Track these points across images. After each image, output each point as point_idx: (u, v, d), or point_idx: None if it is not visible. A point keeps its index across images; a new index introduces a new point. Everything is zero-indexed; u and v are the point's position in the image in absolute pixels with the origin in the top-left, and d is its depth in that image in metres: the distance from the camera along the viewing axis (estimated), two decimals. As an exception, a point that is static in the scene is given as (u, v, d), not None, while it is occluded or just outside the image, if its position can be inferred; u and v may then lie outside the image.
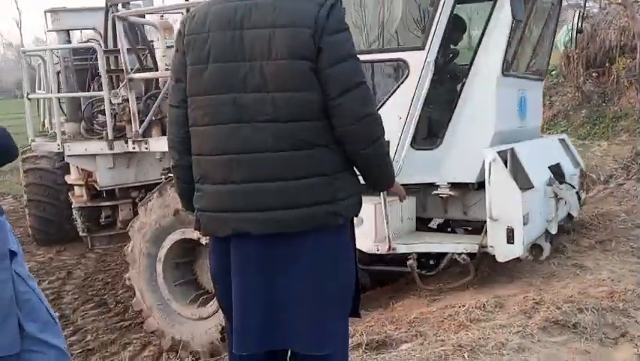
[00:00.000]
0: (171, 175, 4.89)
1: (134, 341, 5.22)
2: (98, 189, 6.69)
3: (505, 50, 4.38)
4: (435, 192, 4.51)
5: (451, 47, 4.95)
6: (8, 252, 2.67)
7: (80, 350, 5.04)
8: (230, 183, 2.02)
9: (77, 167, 6.92)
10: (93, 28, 7.38)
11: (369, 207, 4.27)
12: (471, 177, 4.46)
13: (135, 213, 6.61)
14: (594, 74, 10.48)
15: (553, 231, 4.51)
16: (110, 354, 5.02)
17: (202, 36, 2.03)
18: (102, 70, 6.06)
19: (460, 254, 4.25)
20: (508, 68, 4.57)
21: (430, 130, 4.65)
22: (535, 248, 4.37)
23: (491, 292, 4.21)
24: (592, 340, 3.15)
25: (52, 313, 2.87)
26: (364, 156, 2.09)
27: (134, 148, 5.92)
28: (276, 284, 2.05)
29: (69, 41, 7.47)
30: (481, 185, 4.38)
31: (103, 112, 6.47)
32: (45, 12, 7.29)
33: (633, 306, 3.51)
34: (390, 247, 4.24)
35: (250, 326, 2.06)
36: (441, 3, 4.18)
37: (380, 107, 4.29)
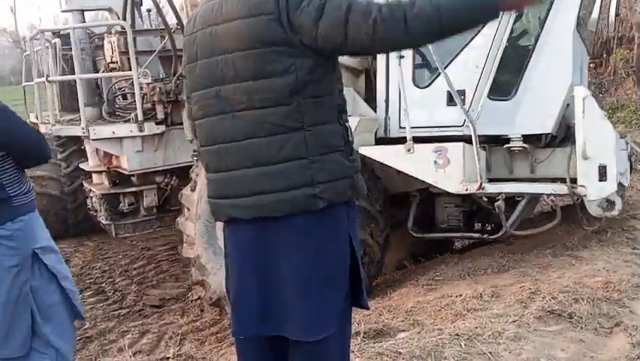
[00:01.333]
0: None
1: (133, 329, 5.23)
2: (126, 173, 6.46)
3: (580, 5, 4.45)
4: (507, 145, 4.49)
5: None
6: (32, 253, 2.71)
7: (79, 338, 5.04)
8: (223, 171, 2.13)
9: (97, 153, 6.69)
10: (109, 9, 7.23)
11: (457, 148, 4.35)
12: (546, 128, 4.49)
13: (160, 199, 6.76)
14: (591, 65, 10.51)
15: (626, 183, 4.57)
16: (109, 342, 5.03)
17: (192, 36, 2.15)
18: (131, 49, 5.99)
19: (548, 196, 4.30)
20: (578, 25, 4.61)
21: (504, 80, 4.64)
22: (608, 203, 4.33)
23: (488, 281, 4.24)
24: (587, 329, 3.19)
25: (78, 312, 2.90)
26: (415, 41, 2.03)
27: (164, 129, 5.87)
28: (268, 269, 2.09)
29: (84, 22, 7.25)
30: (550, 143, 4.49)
31: (124, 95, 6.48)
32: None
33: (628, 296, 3.55)
34: (480, 185, 4.25)
35: (246, 309, 2.13)
36: None
37: (456, 57, 4.42)
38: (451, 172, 4.26)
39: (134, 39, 6.61)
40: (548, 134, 4.56)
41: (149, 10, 6.72)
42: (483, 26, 4.25)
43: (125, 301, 6.18)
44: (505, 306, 3.55)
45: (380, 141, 4.88)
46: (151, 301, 6.04)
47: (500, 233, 4.80)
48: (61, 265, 2.85)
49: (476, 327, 3.23)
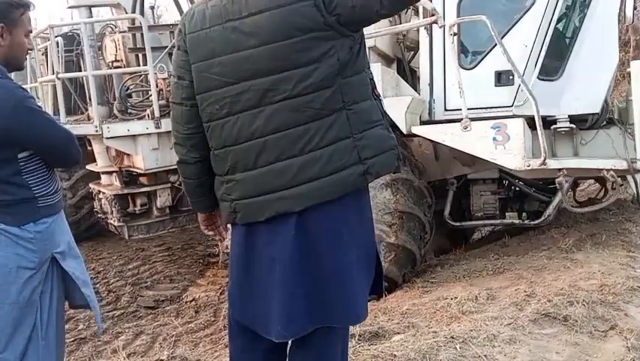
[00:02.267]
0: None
1: (127, 330, 5.20)
2: (140, 172, 6.36)
3: None
4: (554, 126, 4.57)
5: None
6: (51, 257, 2.62)
7: (73, 339, 5.02)
8: (262, 166, 2.05)
9: (108, 153, 6.60)
10: (117, 4, 7.13)
11: (517, 123, 4.44)
12: (594, 108, 4.67)
13: (174, 199, 6.68)
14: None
15: None
16: (103, 343, 4.99)
17: (204, 32, 2.07)
18: (147, 44, 5.94)
19: (608, 170, 4.41)
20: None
21: (551, 61, 4.77)
22: None
23: (483, 284, 4.24)
24: (582, 332, 3.18)
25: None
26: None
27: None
28: (311, 260, 2.05)
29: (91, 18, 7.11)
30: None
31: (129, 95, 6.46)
32: None
33: (623, 299, 3.55)
34: (544, 160, 4.31)
35: (296, 308, 2.05)
36: None
37: (504, 36, 4.55)
38: (511, 148, 4.36)
39: (142, 35, 6.59)
40: (595, 114, 4.73)
41: (152, 7, 6.65)
42: (532, 5, 4.56)
43: (119, 302, 6.13)
44: (500, 309, 3.54)
45: (423, 124, 4.95)
46: (145, 303, 5.98)
47: (542, 218, 5.02)
48: (80, 270, 2.75)
49: (471, 330, 3.22)
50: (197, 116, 2.14)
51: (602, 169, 4.42)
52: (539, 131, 4.27)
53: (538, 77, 4.69)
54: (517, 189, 5.67)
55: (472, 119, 4.59)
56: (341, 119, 2.02)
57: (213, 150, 2.16)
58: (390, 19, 5.61)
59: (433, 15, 4.48)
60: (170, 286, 6.49)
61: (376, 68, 4.75)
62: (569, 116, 4.79)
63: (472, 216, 5.57)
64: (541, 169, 4.42)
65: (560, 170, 4.42)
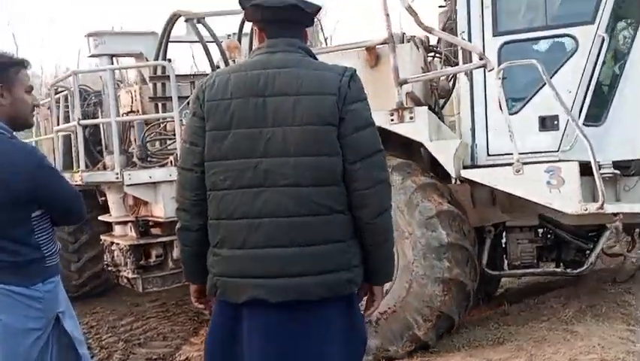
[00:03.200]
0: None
1: (119, 388, 4.95)
2: (160, 221, 6.20)
3: None
4: (601, 171, 4.47)
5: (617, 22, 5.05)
6: (56, 316, 2.60)
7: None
8: (250, 247, 2.03)
9: (125, 202, 6.42)
10: (140, 54, 7.17)
11: (572, 167, 4.40)
12: (638, 154, 4.67)
13: None
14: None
15: None
16: (94, 401, 4.72)
17: (224, 102, 2.07)
18: (174, 90, 5.94)
19: None
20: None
21: (594, 106, 4.74)
22: None
23: (483, 354, 4.17)
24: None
25: None
26: (374, 226, 2.10)
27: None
28: (293, 354, 2.01)
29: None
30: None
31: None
32: (87, 35, 7.06)
33: (623, 375, 3.40)
34: (602, 204, 4.24)
35: None
36: None
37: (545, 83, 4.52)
38: (567, 192, 4.30)
39: (164, 85, 6.58)
40: (638, 160, 4.70)
41: (169, 60, 6.66)
42: (574, 53, 4.63)
43: (111, 359, 5.89)
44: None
45: (465, 169, 4.87)
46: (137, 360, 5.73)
47: (585, 267, 4.93)
48: (77, 330, 2.74)
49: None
50: (204, 182, 2.13)
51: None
52: (596, 175, 4.20)
53: (582, 123, 4.63)
54: (554, 237, 5.55)
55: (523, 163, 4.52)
56: (340, 221, 2.05)
57: (209, 219, 2.14)
58: (422, 66, 5.62)
59: (481, 59, 4.45)
60: (163, 343, 6.26)
61: (423, 112, 4.70)
62: (613, 162, 4.72)
63: (509, 265, 5.43)
64: (596, 214, 4.33)
65: (615, 215, 4.33)
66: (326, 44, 13.26)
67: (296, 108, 2.00)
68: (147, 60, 6.93)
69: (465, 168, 4.77)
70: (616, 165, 4.75)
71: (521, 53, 4.83)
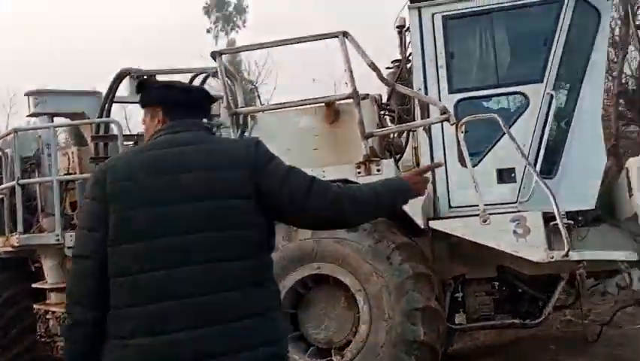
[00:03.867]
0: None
1: None
2: None
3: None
4: (553, 222, 4.57)
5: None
6: None
7: None
8: (165, 333, 1.88)
9: (63, 267, 6.00)
10: (82, 113, 6.85)
11: (536, 216, 4.50)
12: (589, 204, 4.84)
13: None
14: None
15: None
16: None
17: (130, 183, 1.99)
18: (120, 144, 5.85)
19: (622, 262, 4.55)
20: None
21: (546, 160, 4.91)
22: None
23: None
24: None
25: None
26: (358, 222, 2.32)
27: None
28: None
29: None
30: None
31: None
32: (27, 94, 6.74)
33: None
34: (567, 252, 4.34)
35: None
36: (555, 39, 4.83)
37: (502, 135, 4.78)
38: (533, 241, 4.44)
39: (106, 145, 6.38)
40: (588, 211, 4.92)
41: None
42: (525, 109, 4.86)
43: None
44: None
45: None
46: None
47: (542, 318, 5.06)
48: None
49: None
50: (105, 270, 1.96)
51: (617, 261, 4.54)
52: (560, 224, 4.35)
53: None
54: (510, 289, 5.66)
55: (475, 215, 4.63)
56: (259, 294, 2.00)
57: (115, 309, 1.95)
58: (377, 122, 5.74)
59: (444, 113, 4.60)
60: None
61: (389, 164, 4.77)
62: (566, 212, 4.92)
63: (468, 319, 5.45)
64: (559, 263, 4.46)
65: (579, 262, 4.48)
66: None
67: (206, 184, 1.97)
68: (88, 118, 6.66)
69: (429, 219, 4.82)
70: (569, 216, 4.95)
71: (476, 109, 5.04)
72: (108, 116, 6.55)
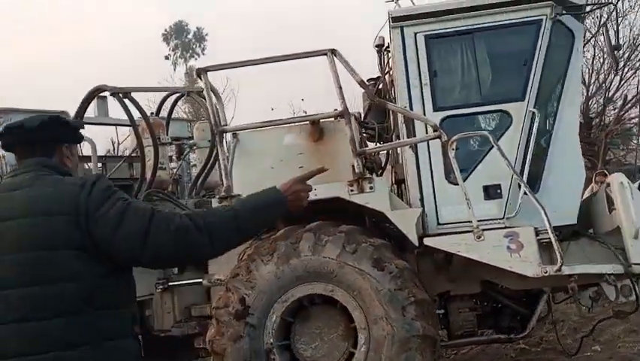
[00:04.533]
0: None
1: None
2: None
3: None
4: (539, 238, 4.66)
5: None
6: None
7: None
8: None
9: None
10: None
11: (529, 231, 4.57)
12: (571, 219, 4.93)
13: None
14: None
15: None
16: None
17: None
18: (93, 164, 5.86)
19: (610, 275, 4.64)
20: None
21: (530, 176, 4.97)
22: None
23: None
24: None
25: None
26: (218, 249, 2.07)
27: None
28: None
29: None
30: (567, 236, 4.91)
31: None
32: None
33: None
34: (560, 267, 4.43)
35: None
36: (535, 59, 4.97)
37: (487, 153, 4.92)
38: (527, 256, 4.51)
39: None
40: (570, 225, 4.99)
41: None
42: (508, 127, 4.92)
43: None
44: None
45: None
46: None
47: (527, 331, 5.14)
48: None
49: None
50: None
51: (604, 274, 4.65)
52: (553, 239, 4.44)
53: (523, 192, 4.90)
54: (492, 304, 5.72)
55: (467, 232, 4.68)
56: (88, 356, 1.86)
57: None
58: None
59: (435, 130, 4.64)
60: None
61: (382, 182, 4.78)
62: (556, 227, 4.99)
63: (451, 335, 5.47)
64: (551, 277, 4.54)
65: (570, 276, 4.57)
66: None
67: (30, 233, 1.85)
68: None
69: (421, 237, 4.83)
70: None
71: (461, 126, 5.11)
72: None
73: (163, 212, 1.99)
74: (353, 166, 5.25)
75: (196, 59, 34.47)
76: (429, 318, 4.63)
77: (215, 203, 4.97)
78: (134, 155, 6.53)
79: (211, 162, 6.73)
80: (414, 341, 4.47)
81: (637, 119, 17.34)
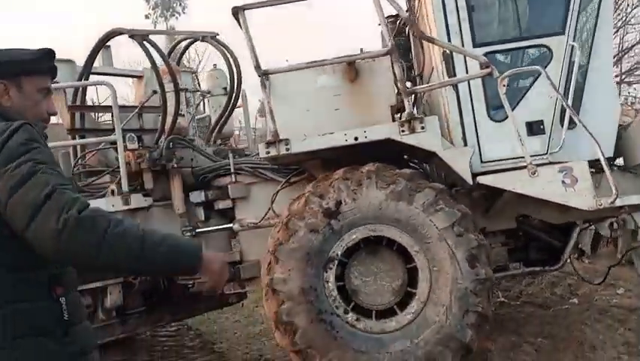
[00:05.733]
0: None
1: None
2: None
3: None
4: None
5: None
6: None
7: None
8: None
9: None
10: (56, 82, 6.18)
11: (583, 166, 4.63)
12: (607, 152, 4.92)
13: (126, 297, 5.69)
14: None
15: None
16: None
17: None
18: (115, 111, 5.36)
19: None
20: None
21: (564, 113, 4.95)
22: None
23: None
24: None
25: None
26: (108, 262, 1.81)
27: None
28: None
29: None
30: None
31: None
32: None
33: None
34: (615, 198, 4.46)
35: None
36: None
37: (529, 88, 4.91)
38: (581, 189, 4.55)
39: (82, 116, 5.84)
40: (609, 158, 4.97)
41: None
42: (549, 62, 4.77)
43: None
44: None
45: None
46: None
47: (562, 263, 5.23)
48: None
49: None
50: None
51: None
52: (607, 172, 4.48)
53: (568, 127, 4.97)
54: (522, 239, 5.81)
55: (520, 168, 4.73)
56: None
57: None
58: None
59: (487, 67, 4.56)
60: None
61: (433, 121, 4.72)
62: (588, 162, 5.07)
63: None
64: (603, 209, 4.61)
65: (621, 207, 4.65)
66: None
67: None
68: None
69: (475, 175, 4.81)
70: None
71: (501, 62, 5.04)
72: (88, 78, 5.98)
73: (68, 194, 1.75)
74: (392, 106, 5.17)
75: (177, 18, 33.54)
76: (487, 261, 4.67)
77: (262, 148, 4.81)
78: (146, 105, 6.25)
79: (229, 109, 6.53)
80: (475, 284, 4.54)
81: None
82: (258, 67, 4.75)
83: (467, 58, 5.03)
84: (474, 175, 4.80)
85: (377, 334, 4.62)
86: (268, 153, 4.79)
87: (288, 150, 4.76)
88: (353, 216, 4.59)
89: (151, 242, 1.81)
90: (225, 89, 6.79)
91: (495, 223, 5.46)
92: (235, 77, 6.42)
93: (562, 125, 4.98)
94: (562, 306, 6.85)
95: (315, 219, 4.58)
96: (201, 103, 7.22)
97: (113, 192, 5.44)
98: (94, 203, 5.06)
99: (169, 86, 5.70)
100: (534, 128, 4.99)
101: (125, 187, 5.34)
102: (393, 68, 4.72)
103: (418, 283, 4.63)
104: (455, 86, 5.08)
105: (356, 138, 4.73)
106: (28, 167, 1.76)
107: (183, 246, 1.92)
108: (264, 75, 4.82)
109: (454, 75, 5.06)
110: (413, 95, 5.46)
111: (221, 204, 5.82)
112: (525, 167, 4.67)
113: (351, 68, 5.12)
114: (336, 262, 4.63)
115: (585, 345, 5.46)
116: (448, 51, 5.05)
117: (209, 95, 6.87)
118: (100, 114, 7.05)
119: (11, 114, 1.96)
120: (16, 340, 1.74)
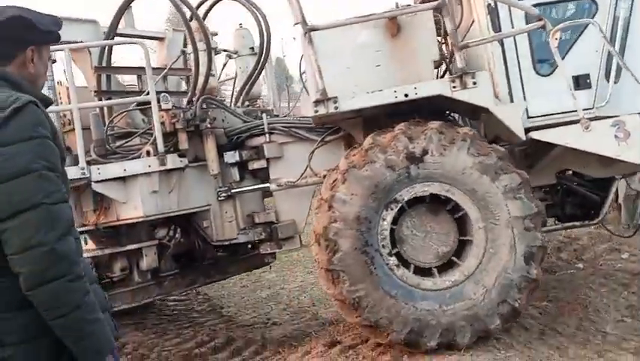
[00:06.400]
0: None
1: None
2: (140, 220, 5.34)
3: None
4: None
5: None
6: None
7: None
8: None
9: (77, 208, 5.37)
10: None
11: (635, 119, 4.61)
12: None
13: (161, 258, 5.64)
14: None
15: None
16: None
17: None
18: (148, 69, 5.19)
19: None
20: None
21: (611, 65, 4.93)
22: None
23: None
24: None
25: None
26: (34, 298, 1.73)
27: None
28: None
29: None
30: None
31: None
32: None
33: None
34: None
35: None
36: None
37: (574, 43, 4.86)
38: (634, 143, 4.53)
39: (109, 77, 5.68)
40: None
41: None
42: (595, 15, 4.81)
43: None
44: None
45: None
46: None
47: (601, 217, 5.31)
48: None
49: None
50: None
51: None
52: None
53: (614, 81, 4.91)
54: (560, 194, 5.82)
55: (551, 126, 4.70)
56: None
57: None
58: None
59: (540, 20, 4.46)
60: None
61: (485, 77, 4.63)
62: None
63: None
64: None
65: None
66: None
67: None
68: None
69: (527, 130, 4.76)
70: None
71: (545, 15, 4.93)
72: (114, 37, 5.80)
73: (53, 213, 1.71)
74: (435, 61, 5.08)
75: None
76: (540, 264, 4.67)
77: (309, 107, 4.72)
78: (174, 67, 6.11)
79: (258, 69, 6.40)
80: (522, 280, 4.52)
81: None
82: (304, 22, 4.62)
83: (512, 11, 4.92)
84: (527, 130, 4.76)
85: (410, 286, 4.61)
86: (317, 111, 4.69)
87: (336, 108, 4.66)
88: (433, 170, 4.53)
89: (85, 312, 1.75)
90: (252, 48, 6.64)
91: (536, 179, 5.42)
92: (265, 35, 6.26)
93: (607, 80, 4.90)
94: (567, 271, 6.90)
95: (396, 157, 4.51)
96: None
97: (148, 153, 5.35)
98: (129, 164, 5.21)
99: (200, 45, 5.55)
100: (581, 82, 4.93)
101: (160, 148, 5.25)
102: (443, 23, 4.60)
103: (467, 257, 4.62)
104: (500, 40, 4.98)
105: (406, 95, 4.64)
106: (26, 161, 1.69)
107: (102, 342, 1.83)
108: (310, 31, 4.69)
109: (500, 29, 4.95)
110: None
111: (255, 165, 5.75)
112: (575, 121, 4.61)
113: (393, 24, 5.00)
114: (400, 205, 4.58)
115: (589, 308, 5.54)
116: (493, 4, 4.93)
117: (235, 56, 6.70)
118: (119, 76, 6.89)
119: (26, 83, 1.91)
120: (6, 312, 1.74)
